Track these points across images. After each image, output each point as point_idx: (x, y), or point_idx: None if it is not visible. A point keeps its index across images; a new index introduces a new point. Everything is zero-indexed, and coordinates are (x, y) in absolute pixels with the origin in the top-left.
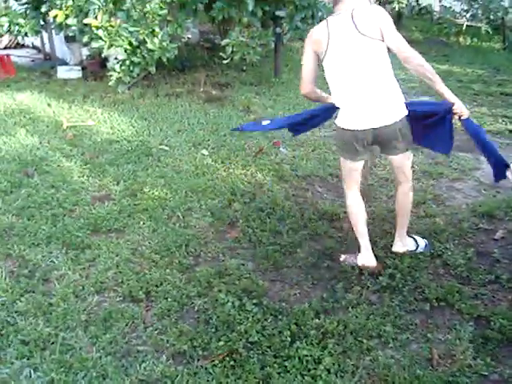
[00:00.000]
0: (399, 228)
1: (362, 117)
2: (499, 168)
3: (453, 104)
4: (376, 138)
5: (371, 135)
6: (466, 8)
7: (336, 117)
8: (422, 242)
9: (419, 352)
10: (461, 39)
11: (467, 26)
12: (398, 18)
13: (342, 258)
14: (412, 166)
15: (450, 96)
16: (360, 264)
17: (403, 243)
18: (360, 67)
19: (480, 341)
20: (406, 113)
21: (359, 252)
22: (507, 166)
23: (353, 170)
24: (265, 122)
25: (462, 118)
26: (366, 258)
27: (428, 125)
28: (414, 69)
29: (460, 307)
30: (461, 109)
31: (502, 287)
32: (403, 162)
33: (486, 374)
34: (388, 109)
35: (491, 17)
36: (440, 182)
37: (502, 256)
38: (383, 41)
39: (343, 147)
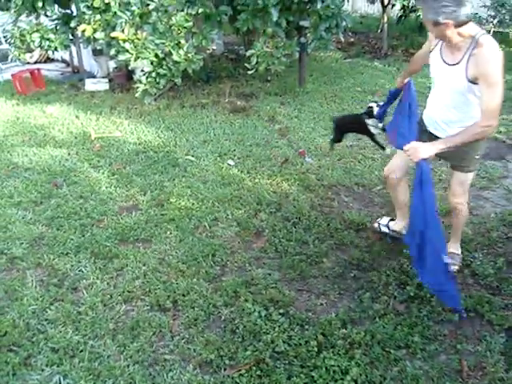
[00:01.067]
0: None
1: None
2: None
3: None
4: None
5: None
6: (492, 14)
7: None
8: None
9: (448, 363)
10: None
11: (494, 31)
12: (422, 26)
13: None
14: (439, 175)
15: None
16: None
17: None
18: None
19: (511, 353)
20: None
21: None
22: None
23: None
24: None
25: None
26: None
27: None
28: None
29: (490, 318)
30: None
31: None
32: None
33: None
34: None
35: None
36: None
37: None
38: None
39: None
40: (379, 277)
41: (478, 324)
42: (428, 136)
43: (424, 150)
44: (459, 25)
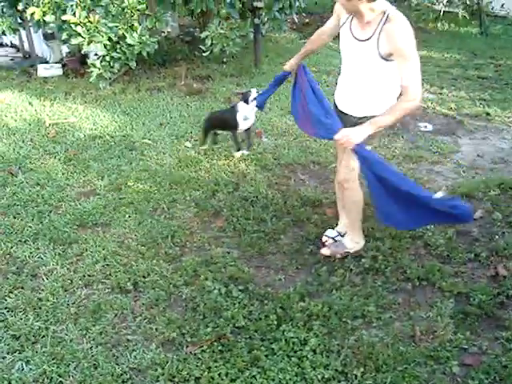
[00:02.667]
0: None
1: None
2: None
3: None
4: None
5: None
6: None
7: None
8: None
9: (402, 330)
10: (439, 25)
11: (444, 11)
12: None
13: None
14: (393, 151)
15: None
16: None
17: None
18: None
19: (460, 316)
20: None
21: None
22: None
23: None
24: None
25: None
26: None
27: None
28: None
29: (441, 285)
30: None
31: (480, 264)
32: None
33: (466, 347)
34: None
35: (467, 2)
36: (420, 165)
37: (480, 235)
38: None
39: None
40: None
41: (430, 291)
42: (343, 117)
43: (356, 135)
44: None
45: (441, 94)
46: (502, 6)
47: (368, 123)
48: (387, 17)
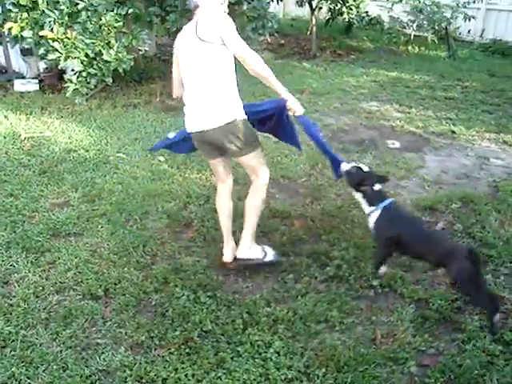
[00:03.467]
0: (245, 230)
1: (191, 120)
2: (335, 166)
3: (286, 101)
4: (205, 140)
5: (199, 137)
6: (412, 19)
7: None
8: (271, 252)
9: (364, 333)
10: (409, 48)
11: (415, 35)
12: (348, 29)
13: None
14: None
15: (284, 94)
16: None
17: (249, 247)
18: (196, 72)
19: (419, 320)
20: (242, 117)
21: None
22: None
23: (214, 166)
24: (170, 135)
25: (295, 114)
26: (225, 252)
27: (275, 123)
28: (251, 69)
29: (402, 292)
30: (294, 105)
31: (441, 272)
32: (247, 163)
33: (424, 348)
34: (213, 113)
35: (436, 27)
36: None
37: None
38: (224, 45)
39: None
40: (301, 260)
41: (392, 298)
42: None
43: None
44: None
45: (409, 113)
46: (469, 31)
47: (284, 91)
48: None
